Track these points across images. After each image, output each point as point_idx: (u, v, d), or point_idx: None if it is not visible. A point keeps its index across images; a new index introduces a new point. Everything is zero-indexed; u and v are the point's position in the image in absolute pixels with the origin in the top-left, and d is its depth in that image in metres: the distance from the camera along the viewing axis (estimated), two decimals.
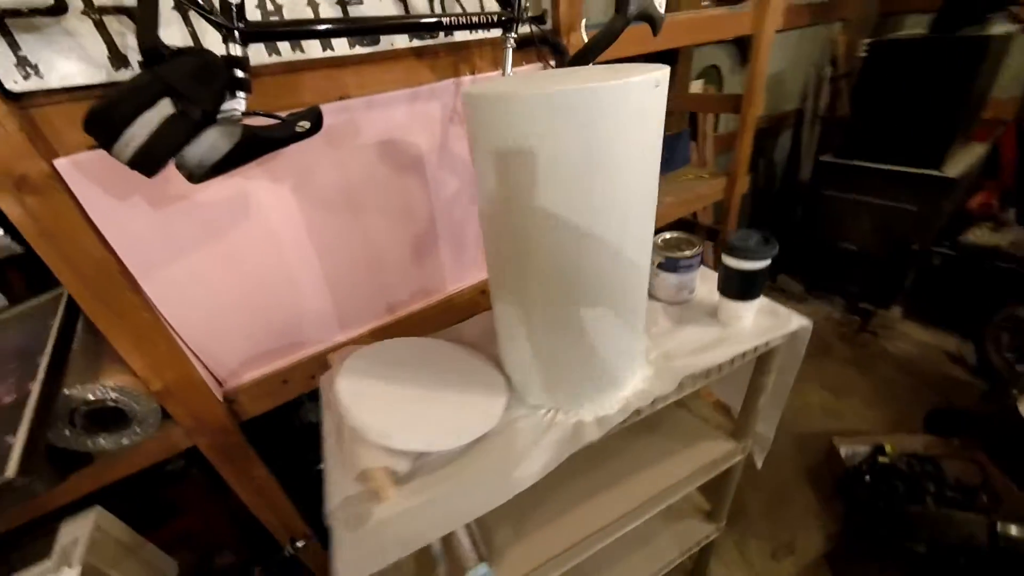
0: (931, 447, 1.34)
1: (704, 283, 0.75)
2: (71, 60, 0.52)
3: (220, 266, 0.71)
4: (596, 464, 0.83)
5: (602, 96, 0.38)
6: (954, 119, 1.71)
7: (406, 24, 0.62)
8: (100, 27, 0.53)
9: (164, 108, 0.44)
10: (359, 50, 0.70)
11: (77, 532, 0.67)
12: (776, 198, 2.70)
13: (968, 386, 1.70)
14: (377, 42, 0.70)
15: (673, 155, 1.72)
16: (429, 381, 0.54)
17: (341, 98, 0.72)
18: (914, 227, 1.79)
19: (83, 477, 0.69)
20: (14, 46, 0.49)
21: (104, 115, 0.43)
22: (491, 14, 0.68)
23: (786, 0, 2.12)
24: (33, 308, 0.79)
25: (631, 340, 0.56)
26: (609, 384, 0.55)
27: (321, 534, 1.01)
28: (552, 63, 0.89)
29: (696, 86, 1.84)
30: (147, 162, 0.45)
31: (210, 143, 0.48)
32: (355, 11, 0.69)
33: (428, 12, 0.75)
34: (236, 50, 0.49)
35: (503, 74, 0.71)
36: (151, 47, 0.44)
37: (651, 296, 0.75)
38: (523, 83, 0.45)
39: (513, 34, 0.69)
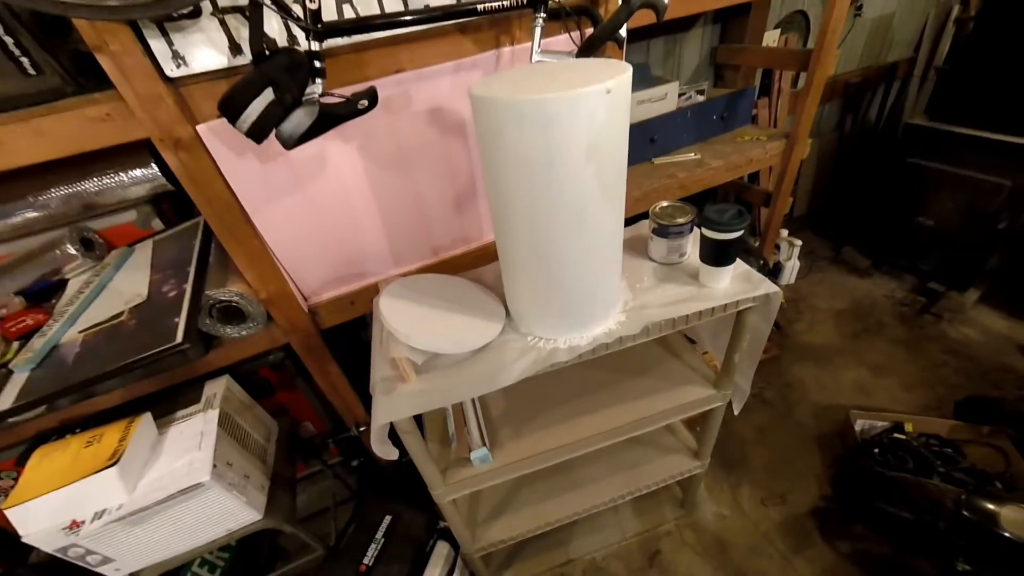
0: (956, 432, 1.31)
1: (696, 248, 0.83)
2: (205, 51, 0.71)
3: (305, 207, 0.92)
4: (590, 392, 0.98)
5: (555, 105, 0.48)
6: None
7: (444, 14, 0.74)
8: (223, 24, 0.71)
9: (267, 96, 0.62)
10: (413, 29, 0.83)
11: (216, 389, 0.98)
12: (862, 162, 2.45)
13: None
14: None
15: (733, 113, 1.66)
16: (448, 307, 0.72)
17: (397, 71, 0.86)
18: (1004, 204, 1.59)
19: (217, 355, 0.99)
20: (169, 43, 0.69)
21: (230, 101, 0.62)
22: None
23: None
24: (181, 231, 1.08)
25: (600, 294, 0.69)
26: (581, 324, 0.70)
27: None
28: (586, 30, 0.95)
29: (771, 37, 1.71)
30: (257, 134, 0.64)
31: (297, 120, 0.65)
32: None
33: None
34: (315, 46, 0.65)
35: (532, 50, 0.80)
36: (258, 51, 0.62)
37: (647, 257, 0.85)
38: (515, 82, 0.55)
39: (542, 13, 0.78)
